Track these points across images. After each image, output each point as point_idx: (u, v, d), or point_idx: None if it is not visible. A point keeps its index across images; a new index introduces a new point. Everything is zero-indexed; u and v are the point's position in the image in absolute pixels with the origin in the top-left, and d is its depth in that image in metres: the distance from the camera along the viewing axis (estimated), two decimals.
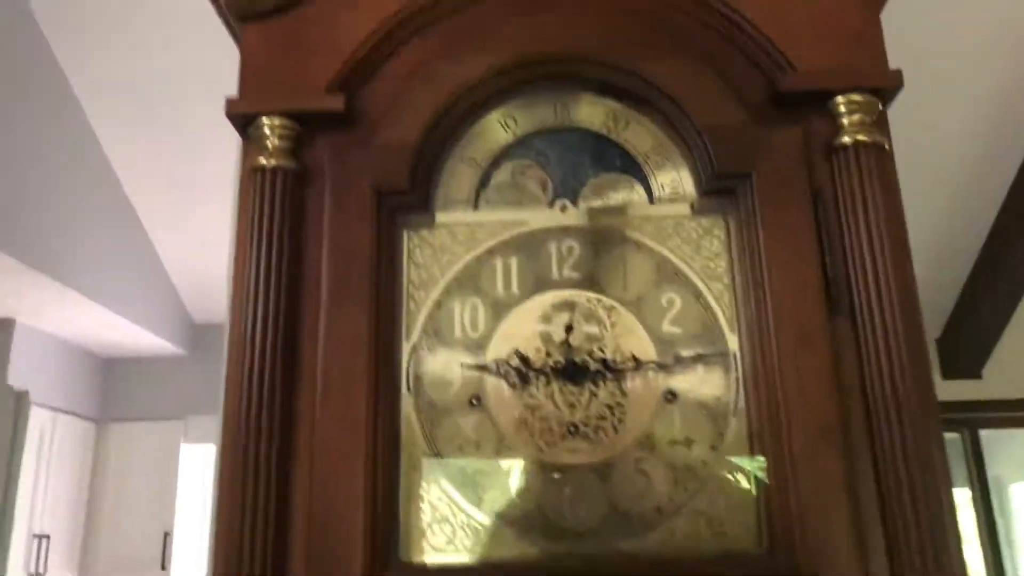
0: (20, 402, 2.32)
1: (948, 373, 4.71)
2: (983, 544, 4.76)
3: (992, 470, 5.36)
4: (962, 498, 4.80)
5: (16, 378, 4.32)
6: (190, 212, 4.49)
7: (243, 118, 0.92)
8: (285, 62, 0.93)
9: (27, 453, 3.74)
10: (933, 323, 4.65)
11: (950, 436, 4.87)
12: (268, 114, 0.90)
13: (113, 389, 5.33)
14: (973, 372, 4.76)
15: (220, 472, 0.84)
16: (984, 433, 5.03)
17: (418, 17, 0.94)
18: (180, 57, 3.55)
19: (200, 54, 3.45)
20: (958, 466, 4.87)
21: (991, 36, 3.16)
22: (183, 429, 5.21)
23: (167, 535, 5.03)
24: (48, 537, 4.57)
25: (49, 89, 3.78)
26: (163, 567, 4.98)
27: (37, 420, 4.39)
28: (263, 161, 0.90)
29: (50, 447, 4.64)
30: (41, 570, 4.50)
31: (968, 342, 4.64)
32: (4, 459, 2.25)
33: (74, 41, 3.67)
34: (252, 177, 0.90)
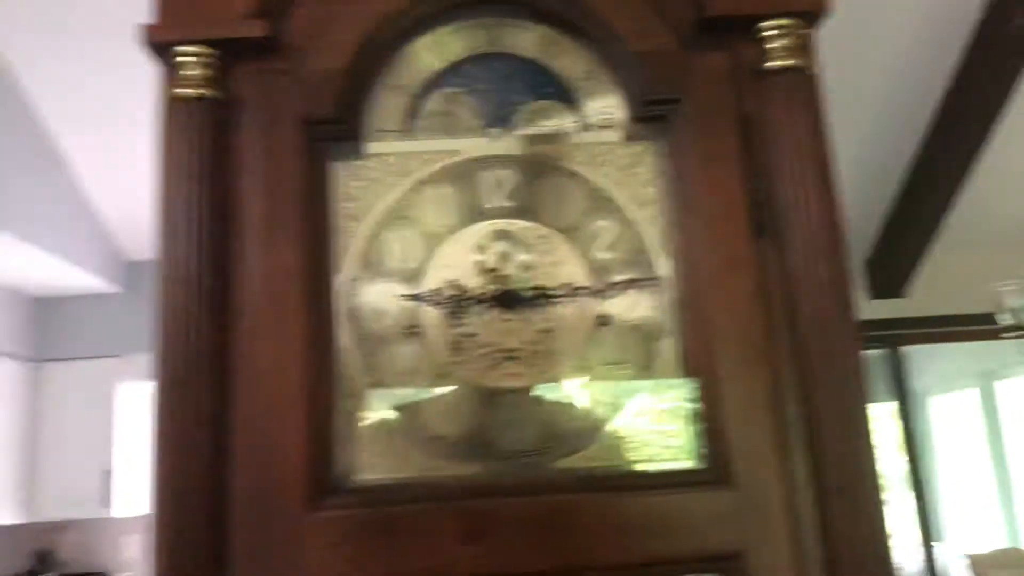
0: None
1: (876, 293, 4.88)
2: (905, 452, 5.03)
3: (914, 384, 5.63)
4: (886, 411, 5.05)
5: None
6: (121, 150, 4.32)
7: (160, 46, 0.88)
8: None
9: None
10: (862, 245, 4.80)
11: (875, 352, 5.08)
12: (188, 43, 0.87)
13: (47, 329, 5.20)
14: (900, 291, 4.93)
15: (157, 412, 0.84)
16: (907, 349, 5.26)
17: None
18: None
19: None
20: (882, 381, 5.10)
21: None
22: (120, 367, 5.13)
23: (107, 473, 5.00)
24: None
25: None
26: (105, 504, 4.96)
27: None
28: (185, 91, 0.87)
29: None
30: None
31: (895, 262, 4.80)
32: None
33: None
34: (173, 107, 0.88)
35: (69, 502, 4.94)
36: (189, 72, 0.87)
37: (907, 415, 5.13)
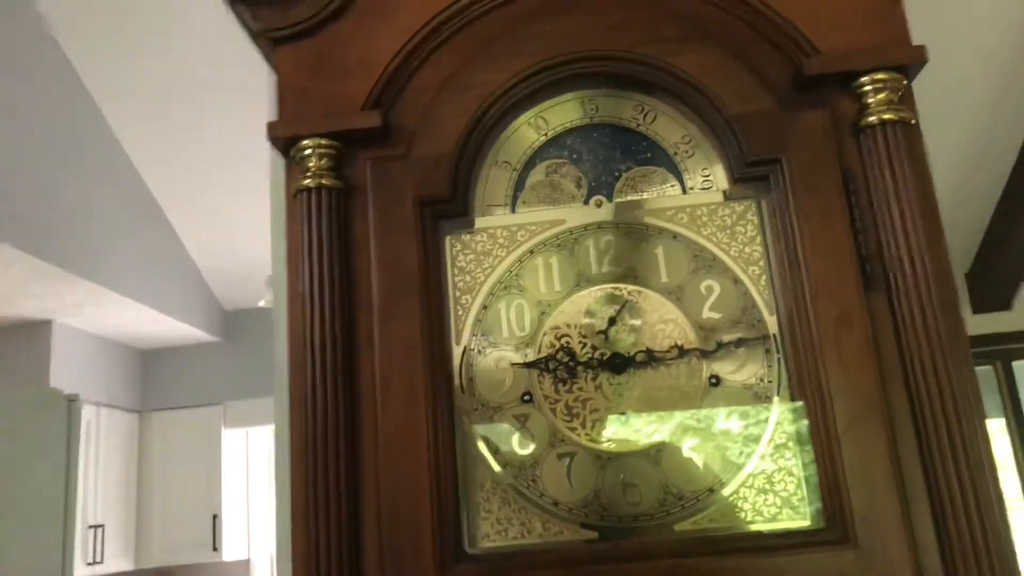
0: (71, 405, 2.40)
1: (978, 307, 4.70)
2: (1020, 470, 4.80)
3: None
4: (996, 428, 4.83)
5: (58, 377, 4.44)
6: (213, 205, 4.54)
7: (284, 141, 0.95)
8: (320, 82, 0.96)
9: None
10: (962, 258, 4.64)
11: (983, 368, 4.88)
12: (309, 136, 0.93)
13: (152, 380, 5.46)
14: (1003, 304, 4.75)
15: (292, 479, 0.89)
16: (1017, 364, 5.04)
17: (443, 28, 0.96)
18: (192, 48, 3.56)
19: (213, 44, 3.47)
20: (992, 397, 4.89)
21: None
22: (222, 414, 5.33)
23: (215, 517, 5.18)
24: (103, 527, 4.72)
25: (65, 93, 3.82)
26: (214, 548, 5.13)
27: (83, 415, 4.52)
28: (307, 182, 0.93)
29: (96, 440, 4.78)
30: (99, 559, 4.66)
31: (997, 275, 4.62)
32: (61, 460, 2.33)
33: (85, 42, 3.70)
34: (298, 198, 0.94)
35: (178, 547, 5.13)
36: (310, 163, 0.94)
37: (1022, 432, 4.90)
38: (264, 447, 5.67)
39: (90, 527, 4.63)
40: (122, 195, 4.31)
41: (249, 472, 5.63)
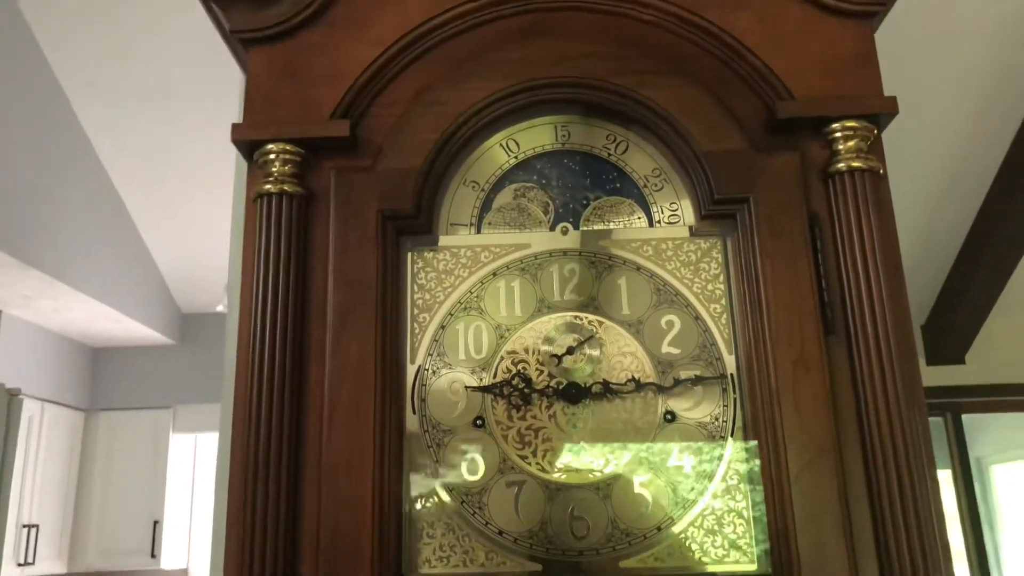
0: (12, 400, 2.32)
1: (932, 359, 4.78)
2: (964, 523, 4.86)
3: (974, 452, 5.45)
4: (943, 479, 4.89)
5: (3, 369, 4.31)
6: (178, 206, 4.48)
7: (249, 144, 0.93)
8: (289, 88, 0.94)
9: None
10: (918, 310, 4.72)
11: (933, 420, 4.95)
12: (275, 141, 0.91)
13: (102, 378, 5.32)
14: (956, 358, 4.83)
15: (230, 496, 0.86)
16: (966, 417, 5.12)
17: (419, 43, 0.95)
18: (166, 50, 3.52)
19: (187, 48, 3.43)
20: (940, 448, 4.96)
21: (980, 24, 3.18)
22: (171, 418, 5.21)
23: (156, 523, 5.04)
24: (37, 527, 4.57)
25: (36, 83, 3.74)
26: (152, 555, 4.99)
27: (25, 410, 4.38)
28: (269, 187, 0.91)
29: (38, 437, 4.63)
30: (30, 559, 4.51)
31: (952, 329, 4.71)
32: None
33: (61, 35, 3.63)
34: (258, 202, 0.91)
35: (114, 552, 4.98)
36: (273, 168, 0.91)
37: (969, 484, 4.97)
38: (212, 454, 5.55)
39: (24, 526, 4.48)
40: (87, 190, 4.22)
41: (195, 479, 5.50)
